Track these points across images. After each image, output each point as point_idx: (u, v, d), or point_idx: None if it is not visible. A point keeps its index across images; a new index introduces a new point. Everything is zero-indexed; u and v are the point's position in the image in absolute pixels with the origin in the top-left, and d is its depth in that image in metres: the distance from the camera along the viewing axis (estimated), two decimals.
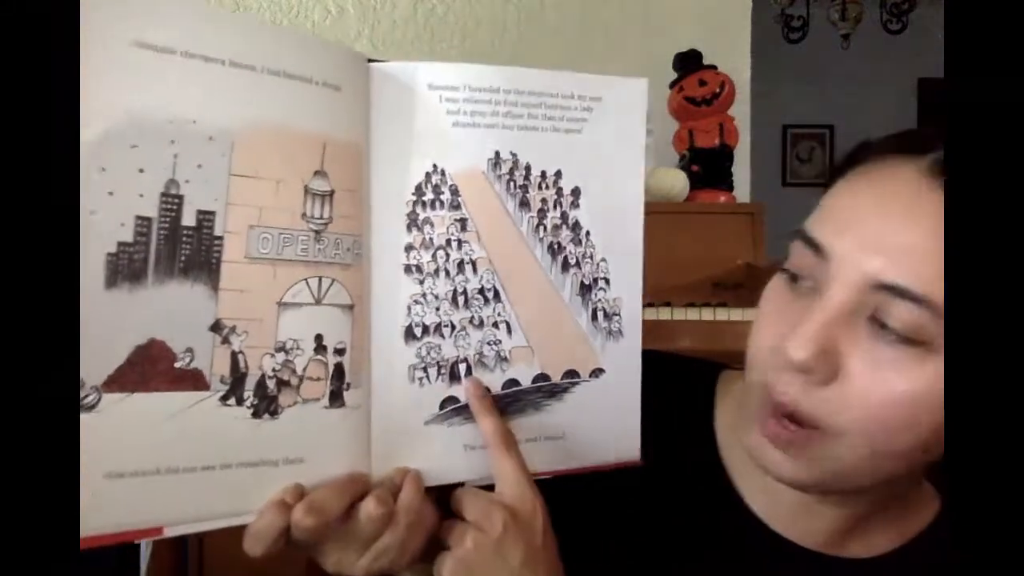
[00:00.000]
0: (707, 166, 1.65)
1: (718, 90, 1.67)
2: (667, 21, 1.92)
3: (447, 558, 0.45)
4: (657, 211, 1.55)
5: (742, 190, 1.78)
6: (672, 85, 1.73)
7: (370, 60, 0.46)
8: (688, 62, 1.71)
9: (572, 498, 0.52)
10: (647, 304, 1.74)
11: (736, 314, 1.33)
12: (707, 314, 1.34)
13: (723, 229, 1.52)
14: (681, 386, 0.56)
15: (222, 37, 0.39)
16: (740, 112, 1.79)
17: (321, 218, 0.43)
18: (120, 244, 0.37)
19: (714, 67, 1.71)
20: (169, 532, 0.40)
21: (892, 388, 0.42)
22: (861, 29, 3.00)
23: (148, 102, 0.38)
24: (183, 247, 0.39)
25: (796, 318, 0.44)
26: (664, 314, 1.45)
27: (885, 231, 0.43)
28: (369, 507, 0.43)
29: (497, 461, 0.46)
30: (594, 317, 0.51)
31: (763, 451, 0.47)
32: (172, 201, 0.39)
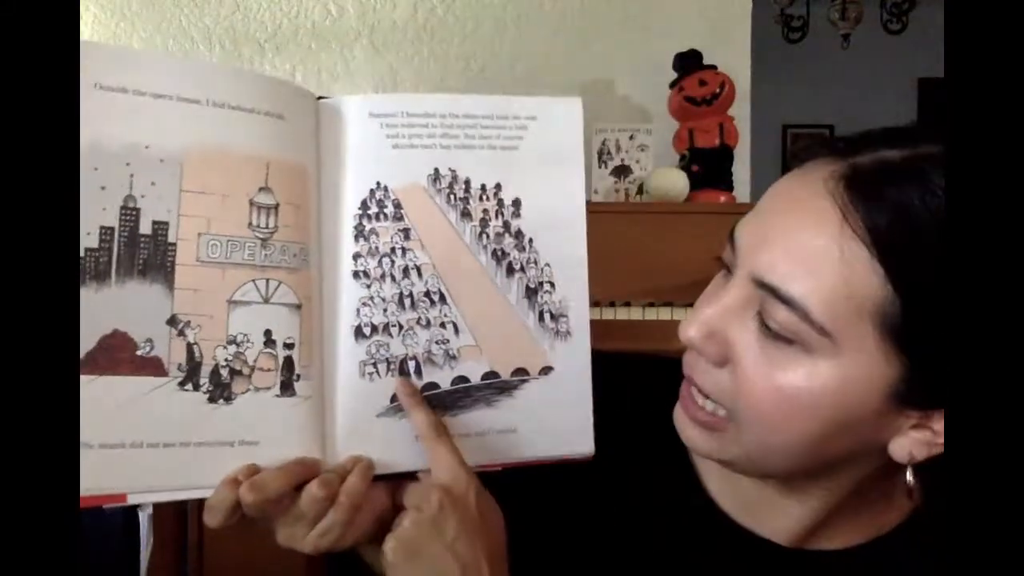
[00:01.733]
0: (707, 166, 1.66)
1: (718, 90, 1.67)
2: (667, 21, 1.92)
3: (390, 538, 0.48)
4: (657, 211, 1.56)
5: (742, 190, 1.78)
6: (672, 85, 1.73)
7: (319, 97, 0.53)
8: (688, 62, 1.71)
9: (540, 499, 0.54)
10: (648, 304, 1.72)
11: None
12: None
13: (723, 229, 1.52)
14: (650, 387, 0.58)
15: (170, 78, 0.47)
16: (740, 112, 1.79)
17: (267, 228, 0.49)
18: (87, 250, 0.44)
19: (714, 67, 1.71)
20: (132, 499, 0.45)
21: (772, 381, 0.44)
22: (861, 29, 2.99)
23: (106, 131, 0.45)
24: (141, 252, 0.46)
25: (711, 300, 0.48)
26: (664, 314, 1.46)
27: (777, 231, 0.44)
28: (312, 489, 0.47)
29: (430, 448, 0.50)
30: (541, 318, 0.55)
31: (682, 426, 0.51)
32: (130, 213, 0.46)
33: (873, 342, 0.42)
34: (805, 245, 0.43)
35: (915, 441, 0.44)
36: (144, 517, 1.35)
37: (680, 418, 0.51)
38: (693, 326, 0.47)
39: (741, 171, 1.80)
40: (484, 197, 0.54)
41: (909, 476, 0.46)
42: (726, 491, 0.55)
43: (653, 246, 1.48)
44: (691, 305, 0.50)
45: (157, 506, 1.27)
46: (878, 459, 0.47)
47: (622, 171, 1.75)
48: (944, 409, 0.43)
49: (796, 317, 0.42)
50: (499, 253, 0.54)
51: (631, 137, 1.75)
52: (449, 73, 1.95)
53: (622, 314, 1.46)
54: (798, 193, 0.45)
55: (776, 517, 0.53)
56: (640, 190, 1.71)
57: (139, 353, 0.45)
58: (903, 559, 0.52)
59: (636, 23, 1.93)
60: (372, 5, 1.95)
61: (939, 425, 0.44)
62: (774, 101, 2.95)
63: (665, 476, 0.57)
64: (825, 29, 3.05)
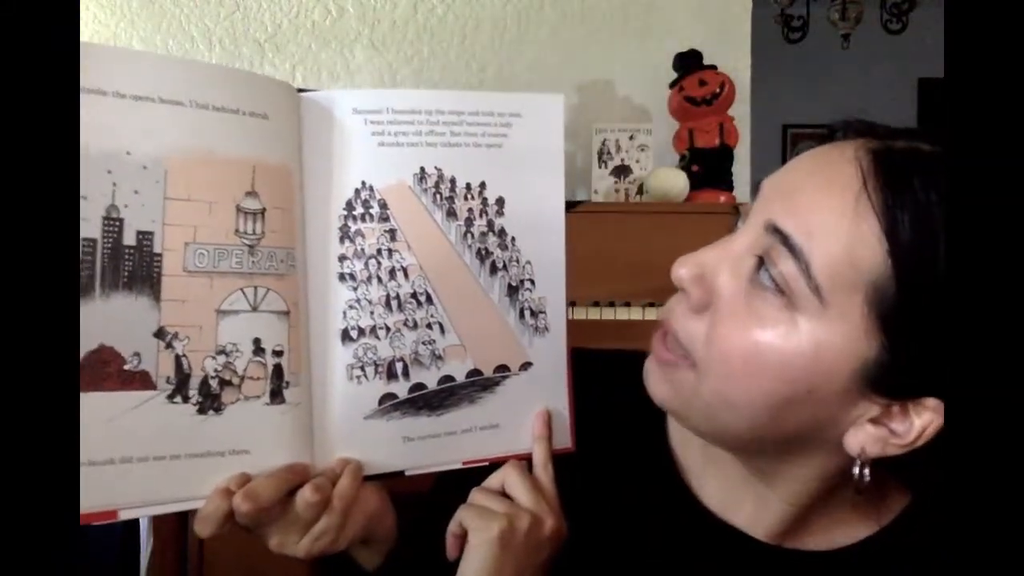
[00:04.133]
0: (707, 166, 1.65)
1: (718, 90, 1.67)
2: (667, 21, 1.92)
3: (493, 524, 0.50)
4: (657, 211, 1.55)
5: (742, 190, 1.78)
6: (672, 85, 1.73)
7: (300, 90, 0.50)
8: (688, 62, 1.71)
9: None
10: (648, 304, 1.72)
11: None
12: None
13: (723, 229, 1.52)
14: (634, 385, 0.58)
15: (150, 78, 0.45)
16: (740, 112, 1.79)
17: (254, 234, 0.48)
18: None
19: (714, 67, 1.71)
20: (123, 515, 0.44)
21: (748, 332, 0.44)
22: (861, 29, 2.99)
23: (85, 137, 0.43)
24: (125, 264, 0.44)
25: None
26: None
27: (800, 186, 0.45)
28: (306, 494, 0.47)
29: (538, 476, 0.54)
30: (521, 315, 0.55)
31: (648, 371, 0.51)
32: (113, 223, 0.44)
33: (859, 315, 0.42)
34: (823, 205, 0.43)
35: (870, 436, 0.44)
36: (144, 518, 1.35)
37: (647, 366, 0.51)
38: (685, 265, 0.47)
39: (741, 171, 1.80)
40: (469, 196, 0.54)
41: (856, 469, 0.45)
42: (705, 483, 0.55)
43: (653, 246, 1.48)
44: None
45: None
46: (836, 455, 0.47)
47: (622, 171, 1.75)
48: (904, 410, 0.43)
49: (797, 269, 0.42)
50: (483, 252, 0.54)
51: (631, 137, 1.75)
52: (449, 73, 1.94)
53: (622, 314, 1.46)
54: (829, 157, 0.45)
55: (754, 509, 0.53)
56: (640, 190, 1.71)
57: (126, 367, 0.44)
58: (886, 563, 0.52)
59: (636, 23, 1.93)
60: (372, 5, 1.95)
61: (897, 425, 0.44)
62: (774, 101, 2.95)
63: (645, 470, 0.57)
64: (825, 29, 3.05)
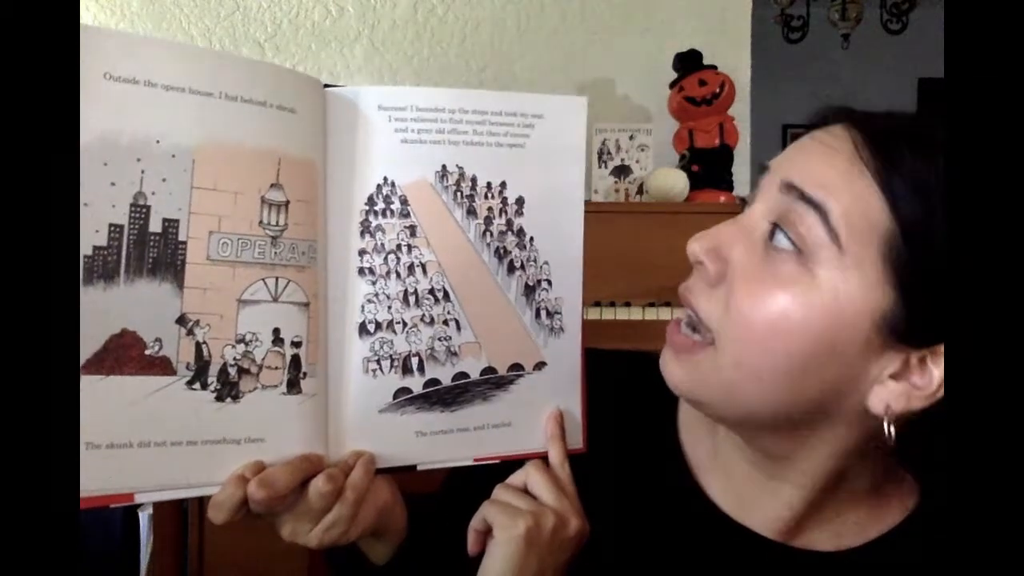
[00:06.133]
0: (707, 166, 1.66)
1: (718, 90, 1.67)
2: (667, 21, 1.92)
3: (519, 522, 0.50)
4: (657, 211, 1.56)
5: (742, 190, 1.78)
6: (672, 85, 1.73)
7: (326, 85, 0.51)
8: (688, 62, 1.71)
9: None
10: (648, 304, 1.72)
11: None
12: None
13: None
14: (645, 385, 0.58)
15: (181, 68, 0.45)
16: (740, 112, 1.79)
17: (277, 225, 0.48)
18: (95, 248, 0.43)
19: (714, 67, 1.71)
20: (139, 498, 0.45)
21: (768, 297, 0.45)
22: (861, 29, 2.99)
23: (117, 125, 0.44)
24: (150, 250, 0.45)
25: None
26: (664, 314, 1.46)
27: (805, 154, 0.47)
28: (319, 483, 0.48)
29: (556, 474, 0.54)
30: (537, 315, 0.56)
31: (665, 360, 0.51)
32: (140, 211, 0.45)
33: (873, 266, 0.43)
34: (829, 165, 0.45)
35: (893, 392, 0.45)
36: (144, 517, 1.35)
37: (664, 356, 0.51)
38: (699, 240, 0.48)
39: (741, 171, 1.80)
40: (489, 195, 0.54)
41: (887, 428, 0.45)
42: (715, 481, 0.56)
43: (653, 246, 1.48)
44: None
45: (157, 506, 1.27)
46: (854, 428, 0.47)
47: (622, 171, 1.75)
48: (923, 361, 0.45)
49: (817, 219, 0.44)
50: (501, 251, 0.55)
51: (631, 137, 1.75)
52: (449, 73, 1.95)
53: (622, 314, 1.46)
54: (823, 136, 0.47)
55: (764, 504, 0.53)
56: (640, 190, 1.71)
57: (148, 353, 0.45)
58: (895, 564, 0.52)
59: (636, 23, 1.93)
60: (372, 5, 1.95)
61: (918, 378, 0.45)
62: (774, 101, 2.95)
63: (654, 468, 0.57)
64: (825, 29, 3.05)
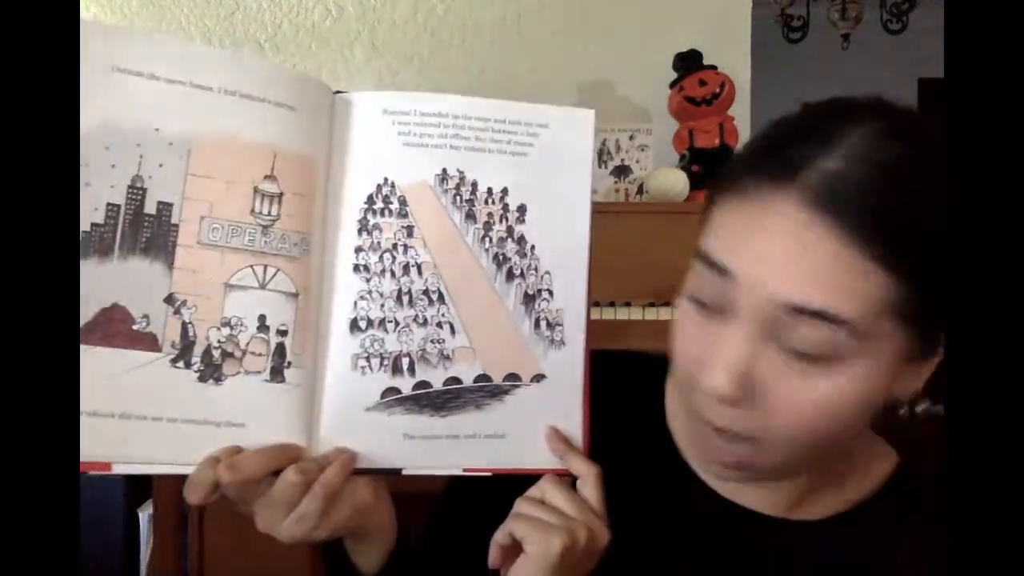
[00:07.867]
0: (707, 166, 1.65)
1: (718, 90, 1.67)
2: (667, 21, 1.92)
3: (557, 533, 0.48)
4: (657, 211, 1.55)
5: None
6: (672, 85, 1.73)
7: (336, 92, 0.53)
8: (688, 62, 1.71)
9: (527, 480, 0.54)
10: (648, 304, 1.72)
11: None
12: None
13: None
14: (634, 377, 0.60)
15: (185, 64, 0.48)
16: (740, 112, 1.79)
17: (269, 215, 0.50)
18: (93, 225, 0.46)
19: (714, 67, 1.71)
20: (116, 469, 0.46)
21: (814, 392, 0.45)
22: (861, 29, 2.99)
23: (120, 113, 0.47)
24: (144, 231, 0.47)
25: (711, 343, 0.47)
26: (664, 314, 1.45)
27: (785, 260, 0.44)
28: (288, 474, 0.48)
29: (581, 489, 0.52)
30: (536, 325, 0.54)
31: (712, 469, 0.53)
32: (137, 192, 0.47)
33: (891, 320, 0.44)
34: (825, 265, 0.43)
35: (912, 376, 0.48)
36: (144, 517, 1.35)
37: (708, 465, 0.53)
38: (722, 378, 0.45)
39: None
40: (490, 200, 0.54)
41: (907, 407, 0.48)
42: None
43: (653, 246, 1.48)
44: None
45: (157, 506, 1.27)
46: (872, 414, 0.50)
47: (622, 171, 1.75)
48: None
49: (829, 328, 0.43)
50: (500, 257, 0.54)
51: (631, 137, 1.75)
52: (449, 73, 1.94)
53: (622, 314, 1.46)
54: (784, 228, 0.44)
55: (763, 491, 0.55)
56: (640, 190, 1.71)
57: (135, 327, 0.47)
58: (885, 524, 0.54)
59: (636, 23, 1.93)
60: (372, 5, 1.95)
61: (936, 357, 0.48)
62: (774, 101, 2.94)
63: (650, 455, 0.58)
64: (825, 29, 3.05)
